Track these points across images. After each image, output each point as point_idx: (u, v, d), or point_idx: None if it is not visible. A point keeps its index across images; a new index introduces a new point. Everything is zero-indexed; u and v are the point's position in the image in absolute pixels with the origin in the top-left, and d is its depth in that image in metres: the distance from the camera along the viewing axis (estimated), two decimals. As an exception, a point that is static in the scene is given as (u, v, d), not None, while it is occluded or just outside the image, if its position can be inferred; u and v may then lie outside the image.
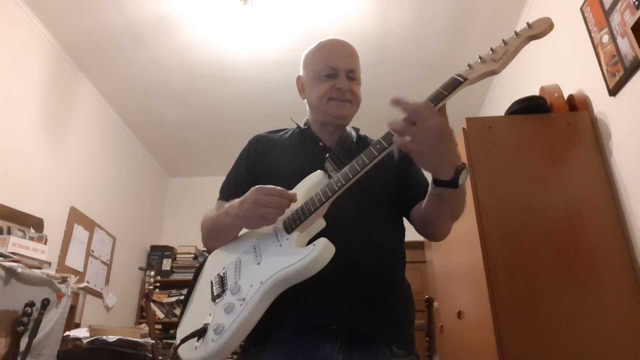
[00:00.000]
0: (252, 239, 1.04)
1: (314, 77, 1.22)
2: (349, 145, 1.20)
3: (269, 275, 0.91)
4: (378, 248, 1.06)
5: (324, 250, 0.87)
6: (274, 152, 1.23)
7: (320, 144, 1.22)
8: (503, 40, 0.91)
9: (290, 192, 0.97)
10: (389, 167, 1.15)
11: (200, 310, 1.02)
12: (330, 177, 1.03)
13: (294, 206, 0.99)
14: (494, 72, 0.89)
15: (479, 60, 0.91)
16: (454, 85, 0.88)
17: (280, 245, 0.96)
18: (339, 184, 0.94)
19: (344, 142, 1.20)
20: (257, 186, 0.99)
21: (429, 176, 0.99)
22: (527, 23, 0.91)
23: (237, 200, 1.02)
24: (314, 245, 0.89)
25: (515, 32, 0.91)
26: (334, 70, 1.18)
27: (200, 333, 0.93)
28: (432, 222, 1.08)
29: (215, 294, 1.00)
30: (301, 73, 1.29)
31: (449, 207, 1.02)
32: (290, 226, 0.97)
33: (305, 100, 1.29)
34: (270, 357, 0.97)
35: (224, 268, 1.04)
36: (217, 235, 1.12)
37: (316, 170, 1.07)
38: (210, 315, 0.96)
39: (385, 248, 1.08)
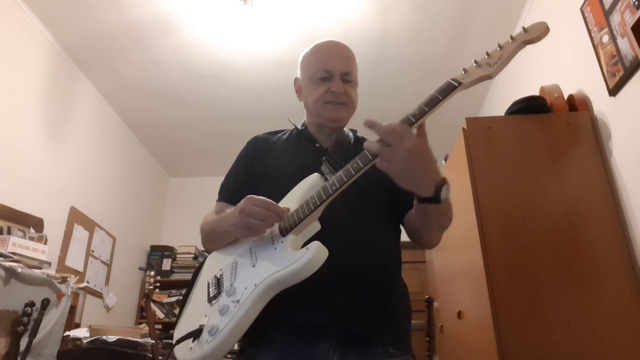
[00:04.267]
0: (249, 242, 1.04)
1: (310, 80, 1.22)
2: (346, 147, 1.21)
3: (263, 278, 0.91)
4: (373, 249, 1.06)
5: (316, 253, 0.88)
6: (272, 153, 1.23)
7: (317, 145, 1.22)
8: (499, 45, 0.91)
9: (281, 206, 0.98)
10: None
11: (196, 311, 1.03)
12: (326, 179, 1.03)
13: (290, 209, 0.99)
14: (488, 77, 0.90)
15: (475, 65, 0.91)
16: (448, 89, 0.89)
17: (275, 248, 0.96)
18: (334, 187, 0.95)
19: (340, 144, 1.21)
20: (249, 195, 0.99)
21: None
22: (523, 27, 0.91)
23: (234, 208, 1.03)
24: (306, 248, 0.89)
25: (511, 36, 0.91)
26: (328, 74, 1.18)
27: (196, 334, 0.94)
28: (420, 233, 1.10)
29: (211, 295, 1.01)
30: (298, 75, 1.29)
31: (435, 220, 1.03)
32: (285, 229, 0.98)
33: (302, 102, 1.29)
34: (266, 357, 0.98)
35: (220, 270, 1.05)
36: (216, 239, 1.14)
37: (313, 171, 1.07)
38: (205, 316, 0.97)
39: (381, 249, 1.08)
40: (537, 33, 0.90)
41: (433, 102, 0.88)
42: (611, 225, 1.92)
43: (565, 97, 2.26)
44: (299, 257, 0.89)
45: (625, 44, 1.89)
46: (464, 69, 0.92)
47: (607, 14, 2.01)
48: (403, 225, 1.17)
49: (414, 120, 0.88)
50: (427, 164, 0.87)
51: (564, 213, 1.95)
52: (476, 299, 2.00)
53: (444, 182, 0.90)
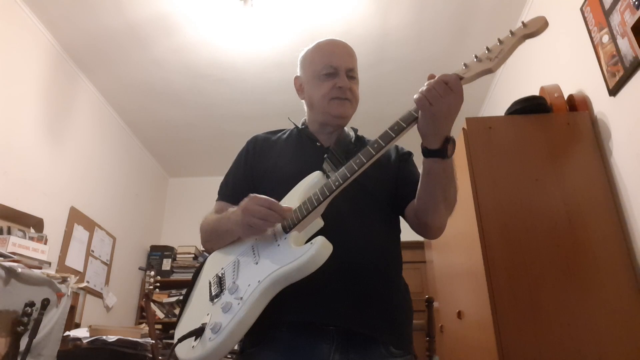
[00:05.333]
0: (251, 240, 1.04)
1: (314, 77, 1.22)
2: (347, 145, 1.21)
3: (267, 274, 0.91)
4: (374, 248, 1.06)
5: (321, 248, 0.88)
6: (272, 152, 1.23)
7: (317, 144, 1.22)
8: (499, 40, 0.92)
9: (284, 206, 0.98)
10: (386, 167, 1.16)
11: (198, 310, 1.03)
12: (328, 177, 1.03)
13: (292, 206, 0.99)
14: (489, 71, 0.91)
15: (475, 60, 0.93)
16: None
17: (278, 245, 0.96)
18: (337, 183, 0.95)
19: (342, 142, 1.21)
20: (252, 194, 0.99)
21: None
22: (522, 22, 0.92)
23: (236, 207, 1.03)
24: (311, 243, 0.89)
25: (511, 31, 0.92)
26: (334, 69, 1.19)
27: (198, 332, 0.93)
28: (425, 209, 1.07)
29: (213, 293, 1.01)
30: (299, 73, 1.30)
31: (440, 186, 1.02)
32: (288, 226, 0.98)
33: (304, 100, 1.29)
34: (267, 357, 0.97)
35: (222, 269, 1.05)
36: (216, 238, 1.13)
37: (314, 170, 1.07)
38: (208, 314, 0.96)
39: (382, 248, 1.08)
40: (536, 27, 0.90)
41: None
42: (611, 225, 1.92)
43: (565, 97, 2.26)
44: (303, 252, 0.88)
45: (625, 44, 1.89)
46: (465, 64, 0.93)
47: (607, 14, 2.01)
48: (405, 217, 1.16)
49: (416, 115, 0.93)
50: (452, 121, 0.94)
51: (564, 213, 1.95)
52: (476, 299, 2.00)
53: (451, 138, 0.96)
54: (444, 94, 0.89)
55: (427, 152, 0.97)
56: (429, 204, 1.06)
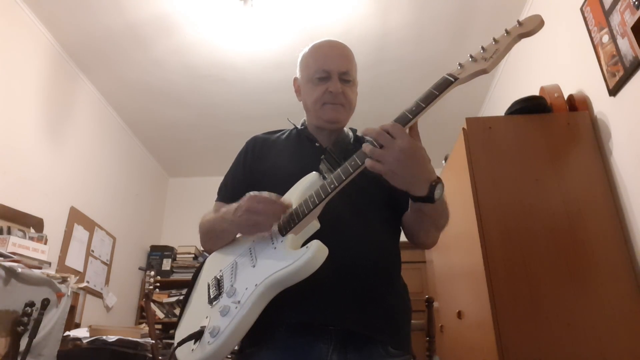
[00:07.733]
0: (248, 242, 1.04)
1: (308, 80, 1.21)
2: (345, 146, 1.20)
3: (263, 278, 0.91)
4: (373, 248, 1.06)
5: (316, 252, 0.87)
6: (271, 153, 1.23)
7: (316, 144, 1.22)
8: (494, 39, 0.91)
9: (285, 200, 0.97)
10: None
11: (197, 312, 1.03)
12: (324, 178, 1.03)
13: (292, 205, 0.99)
14: (484, 72, 0.90)
15: (470, 59, 0.91)
16: (445, 84, 0.89)
17: (275, 248, 0.96)
18: (332, 185, 0.94)
19: (340, 143, 1.20)
20: (251, 193, 0.99)
21: None
22: (518, 21, 0.91)
23: (233, 205, 1.02)
24: (306, 247, 0.89)
25: (506, 30, 0.91)
26: (326, 74, 1.18)
27: (197, 336, 0.93)
28: (416, 233, 1.10)
29: (212, 296, 1.01)
30: (297, 75, 1.29)
31: (430, 220, 1.04)
32: (284, 228, 0.97)
33: (302, 101, 1.29)
34: (266, 357, 0.97)
35: (220, 271, 1.05)
36: (214, 238, 1.13)
37: (313, 170, 1.07)
38: (207, 317, 0.97)
39: (380, 248, 1.08)
40: (531, 26, 0.90)
41: (430, 98, 0.88)
42: (611, 225, 1.92)
43: (565, 97, 2.26)
44: (299, 256, 0.88)
45: (625, 44, 1.89)
46: (460, 64, 0.92)
47: (607, 14, 2.01)
48: (401, 225, 1.17)
49: (411, 117, 0.89)
50: (421, 163, 0.87)
51: (563, 213, 1.95)
52: (476, 299, 2.00)
53: (437, 181, 0.90)
54: (386, 143, 0.84)
55: (414, 198, 0.94)
56: (420, 231, 1.09)
